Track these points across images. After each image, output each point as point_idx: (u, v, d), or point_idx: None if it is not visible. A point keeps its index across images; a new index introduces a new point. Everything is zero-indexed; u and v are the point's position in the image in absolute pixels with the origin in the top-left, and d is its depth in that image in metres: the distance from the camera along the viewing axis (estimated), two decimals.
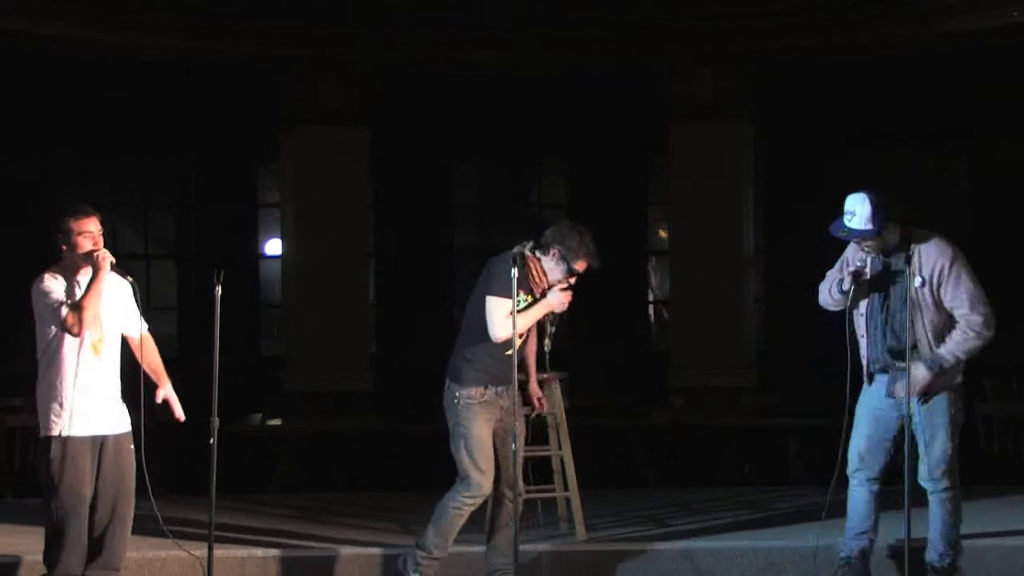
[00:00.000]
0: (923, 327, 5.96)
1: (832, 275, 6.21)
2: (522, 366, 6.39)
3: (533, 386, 6.55)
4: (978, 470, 9.38)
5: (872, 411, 6.15)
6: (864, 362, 6.15)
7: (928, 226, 6.25)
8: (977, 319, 6.04)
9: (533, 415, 6.65)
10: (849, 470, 6.18)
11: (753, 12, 11.78)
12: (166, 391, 6.06)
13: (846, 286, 6.03)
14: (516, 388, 6.00)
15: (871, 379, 6.15)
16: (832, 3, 11.57)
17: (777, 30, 11.81)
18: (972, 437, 9.52)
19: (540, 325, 6.30)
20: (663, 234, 14.06)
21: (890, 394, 6.06)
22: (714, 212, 12.12)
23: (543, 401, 6.63)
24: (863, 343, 6.15)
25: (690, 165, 12.26)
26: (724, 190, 12.17)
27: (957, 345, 5.99)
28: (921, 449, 6.04)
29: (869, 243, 6.03)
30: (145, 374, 6.02)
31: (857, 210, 5.96)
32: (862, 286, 6.07)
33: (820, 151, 13.80)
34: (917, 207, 6.21)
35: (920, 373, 5.91)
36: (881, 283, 6.08)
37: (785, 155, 13.68)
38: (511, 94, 12.92)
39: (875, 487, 6.17)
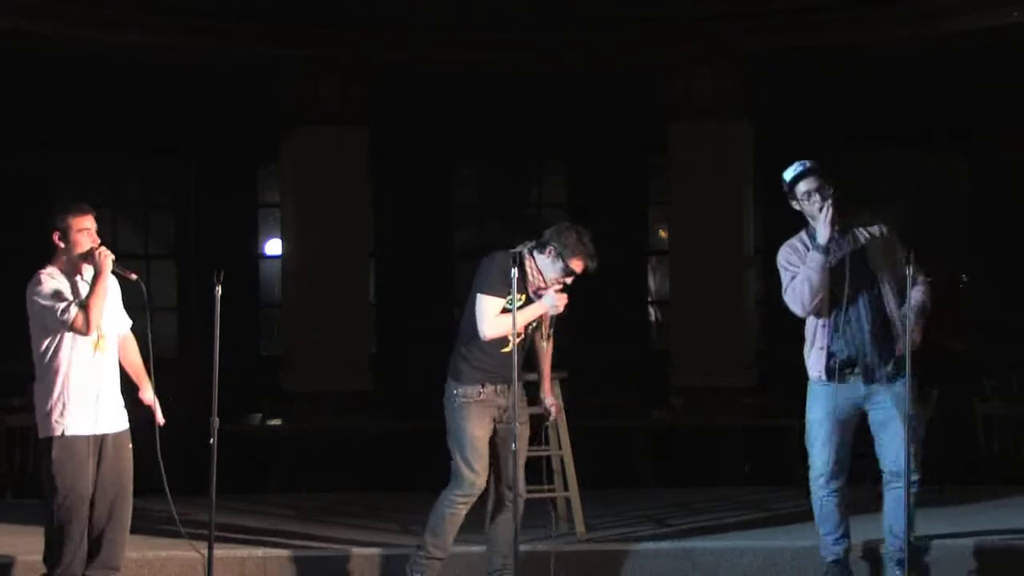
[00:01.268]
0: (891, 303, 5.98)
1: (791, 273, 6.05)
2: (534, 368, 6.34)
3: (546, 390, 6.39)
4: (978, 470, 9.40)
5: (836, 416, 6.04)
6: (825, 356, 6.03)
7: (929, 226, 6.24)
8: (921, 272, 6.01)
9: (547, 422, 6.56)
10: (820, 479, 6.11)
11: (753, 12, 11.78)
12: (148, 394, 6.03)
13: (826, 229, 5.93)
14: (516, 387, 5.96)
15: (833, 375, 6.00)
16: (832, 3, 11.57)
17: (777, 30, 11.81)
18: (972, 437, 9.54)
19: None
20: (663, 234, 14.06)
21: (868, 380, 6.00)
22: (714, 212, 12.12)
23: (555, 408, 6.44)
24: (823, 334, 6.03)
25: (690, 165, 12.26)
26: (724, 190, 12.17)
27: (922, 294, 5.96)
28: (884, 441, 6.04)
29: (827, 190, 6.03)
30: (127, 374, 6.00)
31: (805, 161, 6.10)
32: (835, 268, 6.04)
33: (820, 151, 13.74)
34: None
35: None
36: (841, 269, 6.05)
37: (785, 155, 13.61)
38: (511, 94, 12.92)
39: (845, 491, 6.16)
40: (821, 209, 6.00)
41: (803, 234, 6.15)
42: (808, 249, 6.05)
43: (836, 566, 6.20)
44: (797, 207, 6.14)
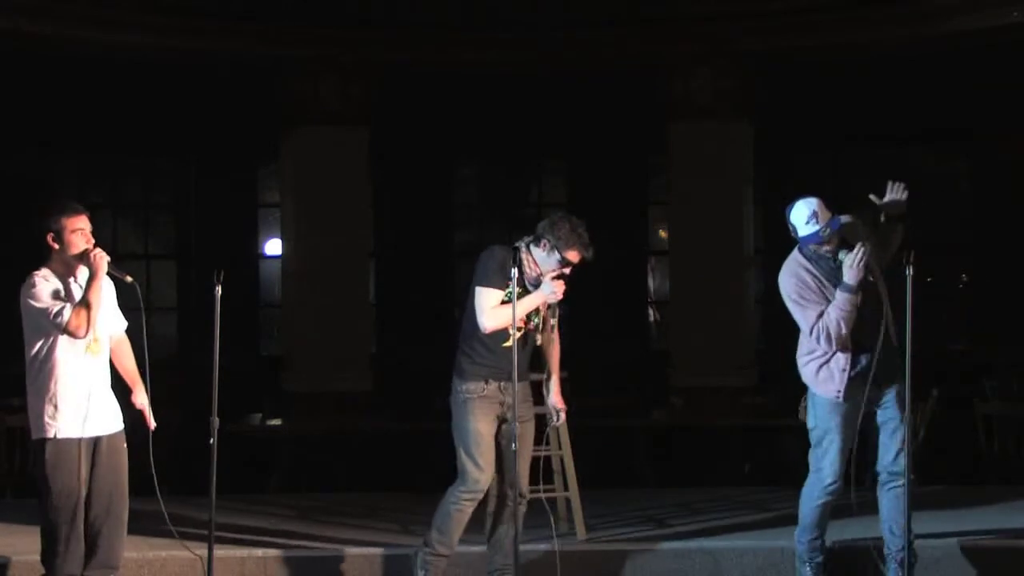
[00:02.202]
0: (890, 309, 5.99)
1: (815, 307, 5.94)
2: (541, 366, 6.32)
3: (555, 396, 6.33)
4: (978, 470, 9.40)
5: (851, 425, 6.04)
6: (846, 377, 5.98)
7: (928, 226, 6.22)
8: None
9: (554, 424, 6.53)
10: (832, 487, 6.12)
11: (753, 12, 11.78)
12: (140, 398, 6.00)
13: (860, 266, 5.83)
14: (516, 386, 5.95)
15: (857, 392, 5.97)
16: (832, 3, 11.57)
17: (777, 30, 11.81)
18: (972, 437, 9.54)
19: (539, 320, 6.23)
20: (663, 234, 14.07)
21: (877, 382, 5.99)
22: (714, 212, 12.12)
23: (562, 414, 6.39)
24: (844, 356, 5.98)
25: (690, 165, 12.26)
26: (724, 190, 12.17)
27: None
28: (885, 441, 6.04)
29: (831, 245, 5.95)
30: (119, 376, 5.98)
31: (816, 210, 5.90)
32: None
33: (820, 151, 13.80)
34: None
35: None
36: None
37: (785, 155, 13.68)
38: (511, 94, 12.92)
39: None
40: (836, 256, 5.94)
41: (800, 257, 6.03)
42: (815, 277, 5.98)
43: (829, 563, 6.21)
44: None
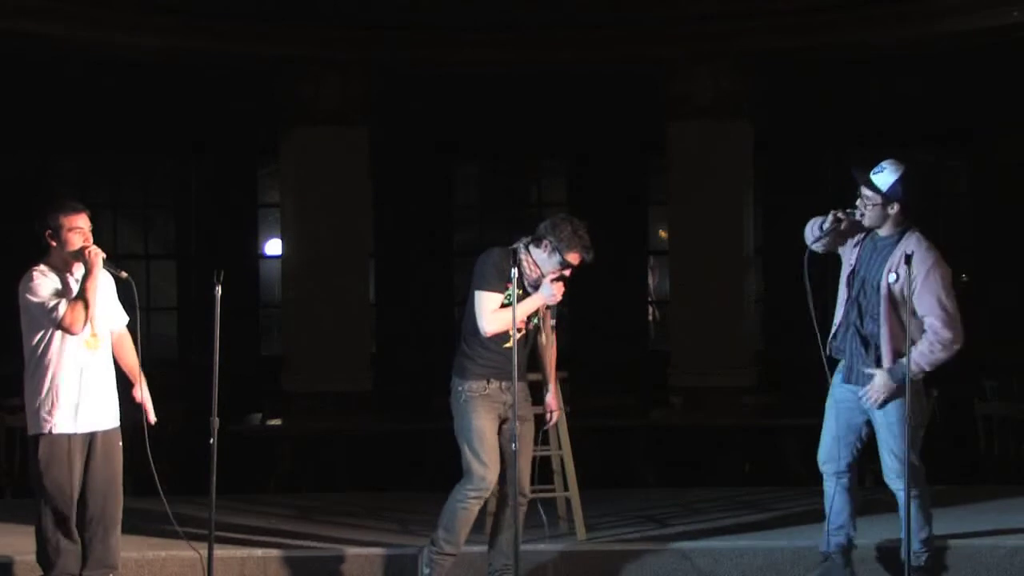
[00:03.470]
0: (889, 321, 5.94)
1: (834, 214, 6.13)
2: (539, 367, 6.34)
3: (551, 397, 6.39)
4: (978, 470, 9.41)
5: (836, 403, 6.15)
6: (830, 337, 6.13)
7: (928, 226, 6.22)
8: (948, 335, 5.87)
9: (547, 425, 6.55)
10: (819, 465, 6.20)
11: (754, 12, 11.77)
12: (141, 392, 6.02)
13: (827, 225, 6.02)
14: (517, 386, 5.95)
15: (828, 349, 6.11)
16: (832, 3, 11.57)
17: (778, 30, 11.81)
18: (972, 437, 9.55)
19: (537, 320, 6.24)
20: (663, 234, 14.06)
21: (846, 380, 6.07)
22: (714, 212, 12.12)
23: (555, 415, 6.46)
24: (840, 311, 6.13)
25: (690, 165, 12.26)
26: (724, 190, 12.17)
27: (922, 356, 5.85)
28: (880, 448, 6.06)
29: (870, 202, 5.99)
30: (122, 372, 5.99)
31: (888, 169, 6.00)
32: (831, 236, 6.05)
33: (820, 151, 13.79)
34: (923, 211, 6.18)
35: (881, 380, 5.92)
36: (865, 260, 6.07)
37: (785, 155, 13.68)
38: (511, 94, 12.92)
39: (844, 481, 6.14)
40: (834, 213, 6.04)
41: (858, 207, 6.10)
42: (853, 218, 6.06)
43: (824, 560, 6.21)
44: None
